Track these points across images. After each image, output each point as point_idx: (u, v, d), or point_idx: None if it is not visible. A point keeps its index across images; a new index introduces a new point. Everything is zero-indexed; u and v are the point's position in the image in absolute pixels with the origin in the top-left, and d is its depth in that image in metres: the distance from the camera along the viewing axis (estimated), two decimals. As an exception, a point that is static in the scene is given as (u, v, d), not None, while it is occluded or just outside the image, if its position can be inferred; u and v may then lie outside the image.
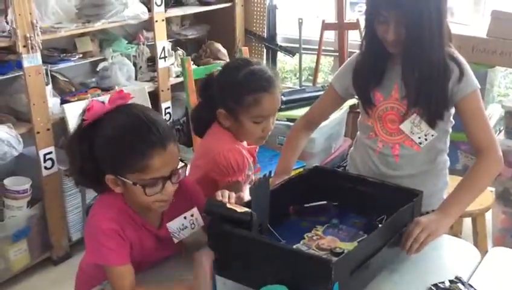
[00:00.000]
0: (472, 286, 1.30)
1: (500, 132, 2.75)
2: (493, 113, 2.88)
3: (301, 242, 1.36)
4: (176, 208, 1.36)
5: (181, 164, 1.31)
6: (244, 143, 1.66)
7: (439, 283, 1.30)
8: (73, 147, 1.32)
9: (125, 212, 1.33)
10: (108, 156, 1.27)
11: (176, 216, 1.36)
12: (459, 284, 1.29)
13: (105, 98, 1.38)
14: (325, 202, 1.50)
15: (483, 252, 1.53)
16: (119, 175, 1.26)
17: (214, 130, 1.64)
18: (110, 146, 1.26)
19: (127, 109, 1.30)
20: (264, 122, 1.57)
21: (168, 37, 3.31)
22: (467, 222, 2.55)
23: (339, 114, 3.07)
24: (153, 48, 3.23)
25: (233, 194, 1.33)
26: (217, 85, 1.61)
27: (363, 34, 1.58)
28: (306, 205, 1.49)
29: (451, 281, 1.31)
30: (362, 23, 3.21)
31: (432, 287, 1.29)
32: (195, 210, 1.37)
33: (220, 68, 1.67)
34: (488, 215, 2.55)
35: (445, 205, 1.48)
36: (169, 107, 3.31)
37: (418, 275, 1.36)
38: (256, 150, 1.72)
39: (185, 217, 1.36)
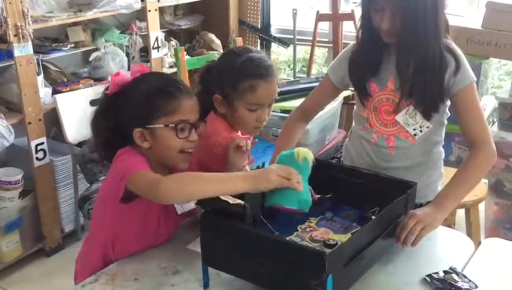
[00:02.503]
0: (466, 277, 1.30)
1: (493, 123, 2.76)
2: (487, 104, 2.89)
3: (294, 234, 1.36)
4: None
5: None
6: (239, 133, 1.65)
7: (434, 273, 1.30)
8: (99, 121, 1.40)
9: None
10: (139, 108, 1.36)
11: None
12: (454, 275, 1.30)
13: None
14: (318, 195, 1.50)
15: (477, 243, 1.53)
16: (148, 125, 1.34)
17: (210, 118, 1.63)
18: (141, 99, 1.36)
19: (152, 73, 1.51)
20: (259, 111, 1.56)
21: (161, 27, 3.29)
22: (460, 213, 2.56)
23: (333, 105, 3.07)
24: (146, 38, 3.21)
25: (249, 142, 1.48)
26: (216, 70, 1.61)
27: (359, 24, 1.57)
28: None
29: (445, 272, 1.31)
30: (357, 14, 3.21)
31: (427, 278, 1.30)
32: None
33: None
34: (481, 207, 2.56)
35: (440, 198, 1.47)
36: (162, 98, 3.29)
37: (412, 265, 1.36)
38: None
39: None
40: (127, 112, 1.38)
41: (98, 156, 1.46)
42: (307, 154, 1.27)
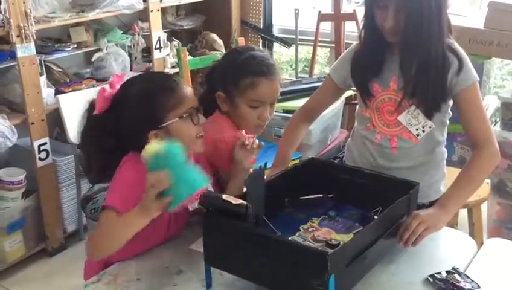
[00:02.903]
0: (469, 277, 1.30)
1: (496, 123, 2.75)
2: (489, 104, 2.88)
3: (297, 234, 1.36)
4: None
5: None
6: (243, 132, 1.65)
7: (436, 273, 1.30)
8: (99, 143, 1.38)
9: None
10: (144, 112, 1.34)
11: None
12: (456, 275, 1.29)
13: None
14: (320, 195, 1.50)
15: (479, 243, 1.53)
16: (161, 124, 1.34)
17: (215, 117, 1.64)
18: (142, 103, 1.35)
19: (139, 76, 1.48)
20: (261, 108, 1.57)
21: (164, 27, 3.29)
22: (463, 213, 2.56)
23: (335, 105, 3.05)
24: (148, 38, 3.21)
25: (256, 140, 1.51)
26: (219, 68, 1.62)
27: (361, 24, 1.57)
28: (302, 198, 1.48)
29: (448, 272, 1.31)
30: (359, 14, 3.21)
31: (429, 278, 1.29)
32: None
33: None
34: (484, 207, 2.55)
35: (444, 199, 1.47)
36: (164, 98, 3.29)
37: (415, 266, 1.35)
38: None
39: None
40: (130, 121, 1.36)
41: (93, 179, 1.46)
42: (152, 149, 1.19)
